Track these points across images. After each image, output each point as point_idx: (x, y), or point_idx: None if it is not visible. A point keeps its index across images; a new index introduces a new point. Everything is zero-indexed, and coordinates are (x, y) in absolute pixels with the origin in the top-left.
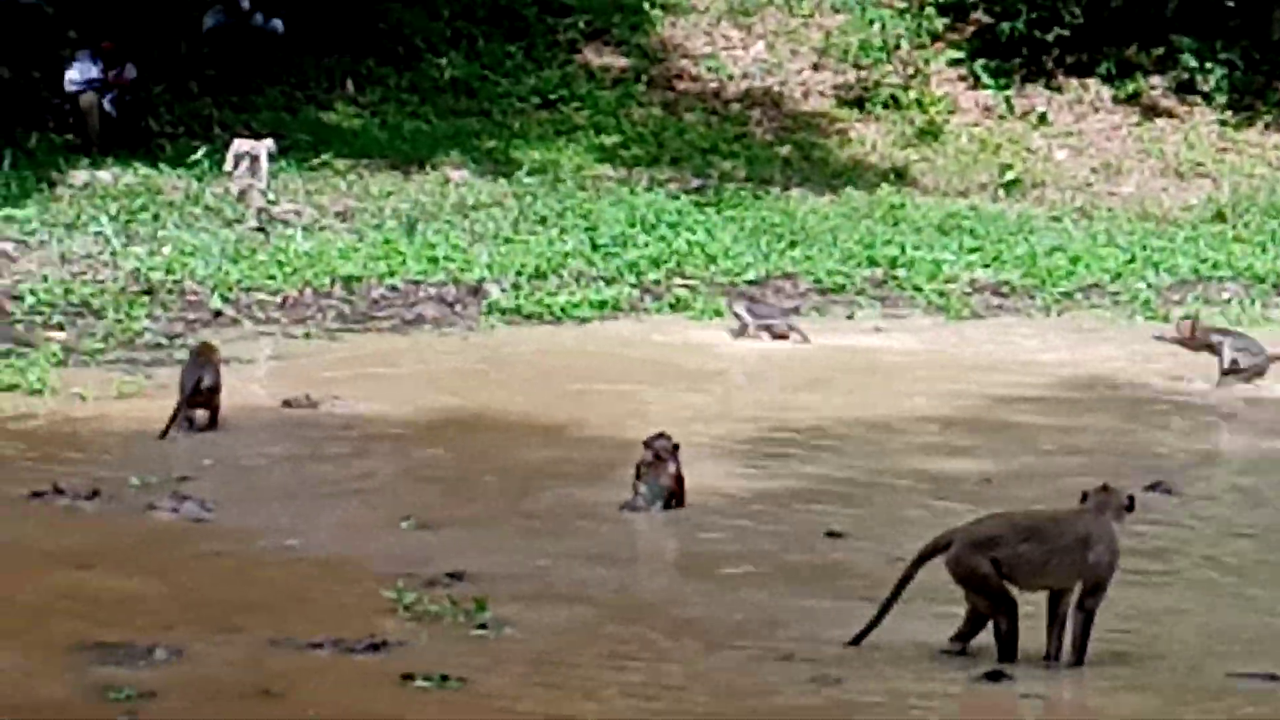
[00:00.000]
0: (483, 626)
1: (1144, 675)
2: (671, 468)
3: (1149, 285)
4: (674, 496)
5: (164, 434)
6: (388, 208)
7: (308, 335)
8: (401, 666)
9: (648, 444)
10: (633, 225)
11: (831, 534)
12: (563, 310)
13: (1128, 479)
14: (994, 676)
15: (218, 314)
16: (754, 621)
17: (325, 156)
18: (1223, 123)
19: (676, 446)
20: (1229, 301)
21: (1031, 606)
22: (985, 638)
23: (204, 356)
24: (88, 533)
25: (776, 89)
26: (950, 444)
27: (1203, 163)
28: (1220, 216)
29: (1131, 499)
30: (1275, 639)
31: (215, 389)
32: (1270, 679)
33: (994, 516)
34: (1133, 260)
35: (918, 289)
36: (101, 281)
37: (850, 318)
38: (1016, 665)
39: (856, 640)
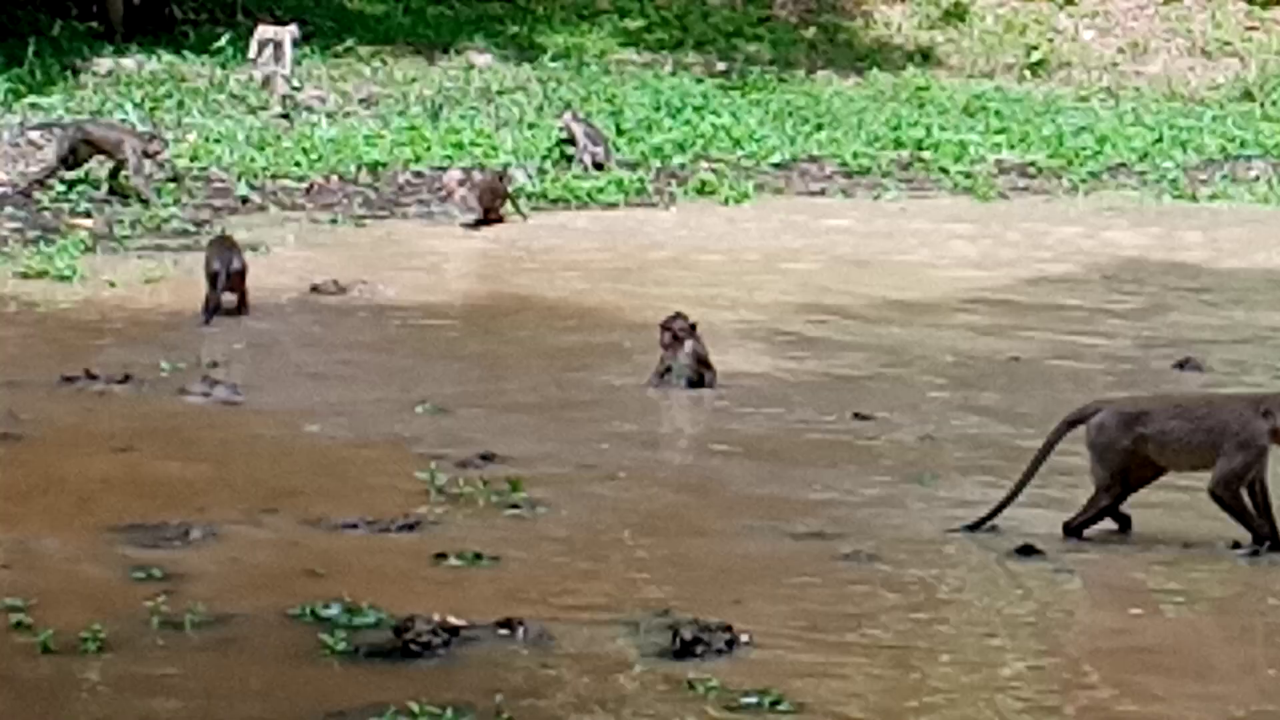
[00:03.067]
0: (515, 506)
1: (1184, 553)
2: (688, 347)
3: (1176, 164)
4: (699, 376)
5: (207, 321)
6: (412, 94)
7: (334, 221)
8: (435, 546)
9: (664, 325)
10: (657, 110)
11: (859, 416)
12: (589, 195)
13: (1156, 356)
14: (1026, 551)
15: (244, 200)
16: (785, 499)
17: (349, 42)
18: (1249, 1)
19: (694, 326)
20: (1256, 179)
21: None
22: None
23: (227, 242)
24: (122, 417)
25: None
26: (978, 324)
27: (1230, 41)
28: (1248, 95)
29: None
30: None
31: (243, 273)
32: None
33: (1149, 396)
34: (1160, 140)
35: (944, 171)
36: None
37: (877, 199)
38: (1049, 543)
39: (979, 524)
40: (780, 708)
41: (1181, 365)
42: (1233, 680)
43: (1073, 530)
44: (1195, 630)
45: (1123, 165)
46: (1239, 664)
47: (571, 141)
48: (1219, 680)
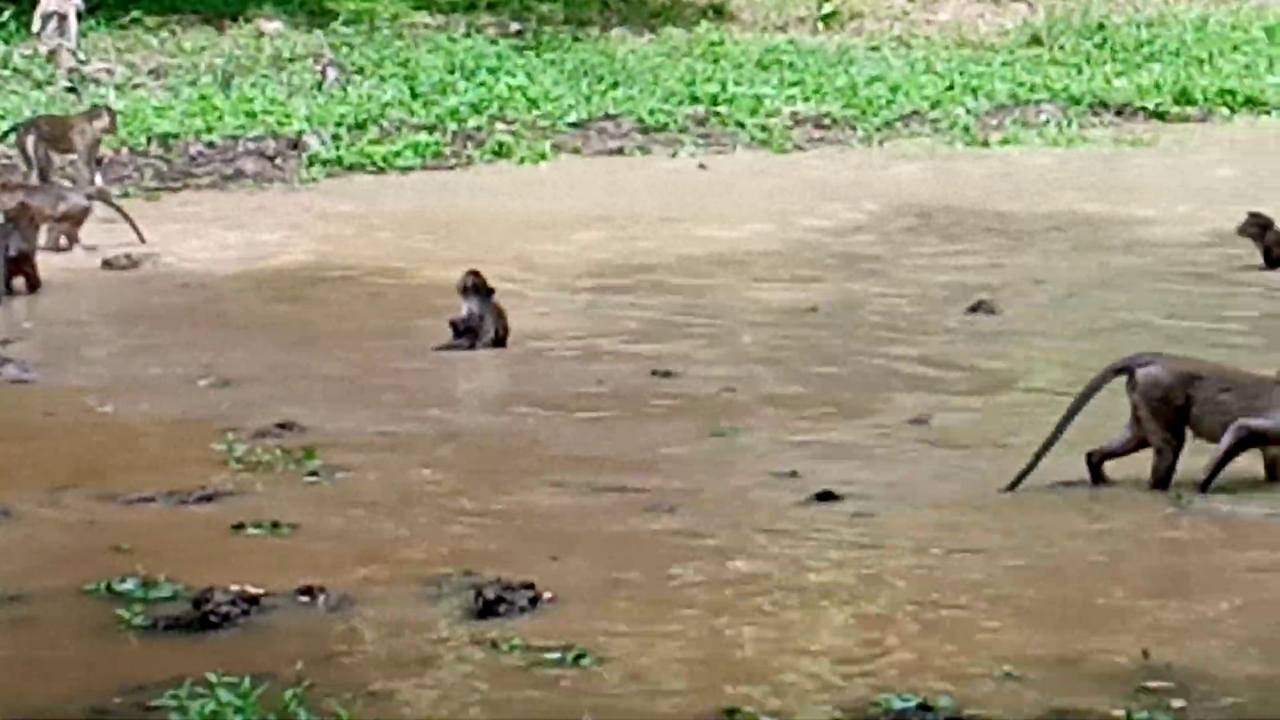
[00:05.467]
0: (314, 474)
1: (977, 494)
2: (468, 307)
3: (968, 111)
4: (474, 335)
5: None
6: (201, 63)
7: (126, 194)
8: (233, 516)
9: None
10: (452, 72)
11: (659, 373)
12: (385, 160)
13: (952, 300)
14: (825, 497)
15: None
16: (588, 456)
17: (135, 13)
18: None
19: (485, 286)
20: (1046, 123)
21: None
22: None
23: (12, 221)
24: None
25: None
26: (777, 276)
27: None
28: (1036, 40)
29: None
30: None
31: (25, 254)
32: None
33: (1201, 361)
34: (951, 87)
35: (740, 125)
36: None
37: (674, 155)
38: (847, 488)
39: (1017, 481)
40: (584, 662)
41: (975, 309)
42: (1037, 617)
43: (1159, 486)
44: (994, 569)
45: (916, 113)
46: (1040, 601)
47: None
48: (1025, 617)
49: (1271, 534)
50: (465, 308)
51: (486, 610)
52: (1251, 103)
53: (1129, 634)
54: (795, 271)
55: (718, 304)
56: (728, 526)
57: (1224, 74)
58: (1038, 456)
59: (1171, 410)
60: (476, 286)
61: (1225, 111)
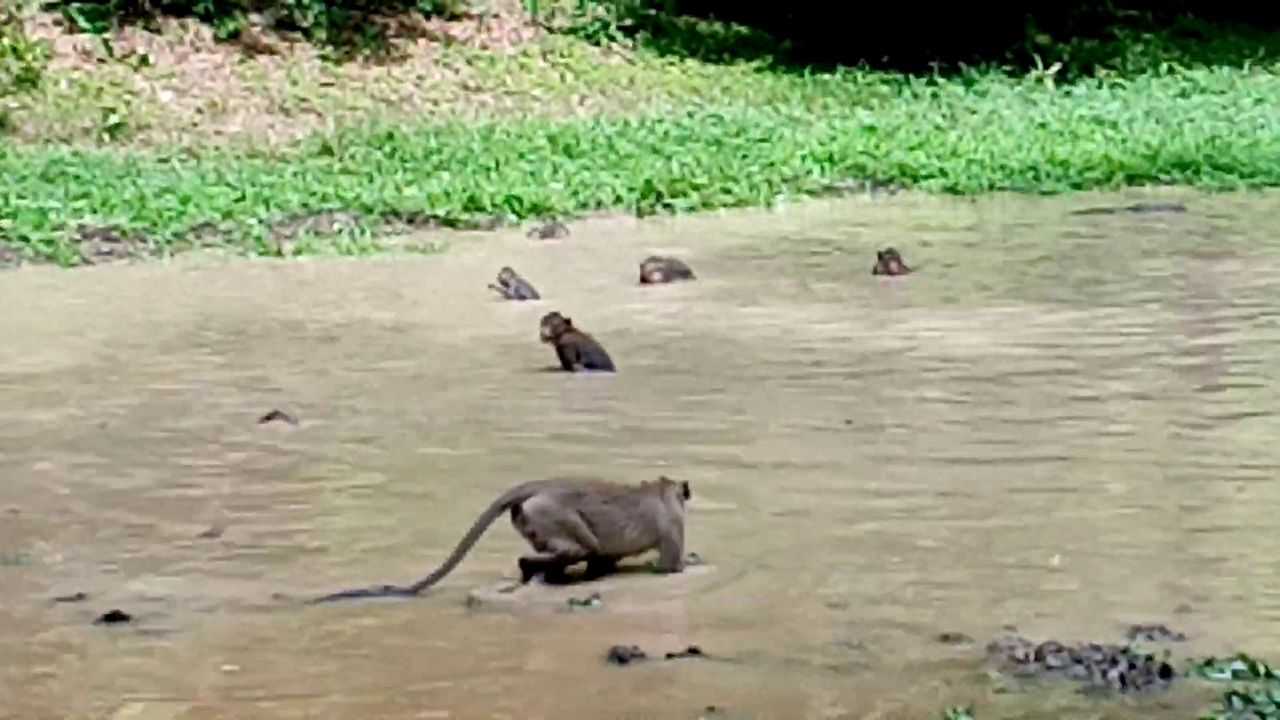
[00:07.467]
0: None
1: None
2: None
3: (260, 221)
4: None
5: None
6: None
7: None
8: None
9: None
10: None
11: None
12: None
13: (246, 411)
14: (113, 618)
15: None
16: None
17: None
18: (324, 58)
19: None
20: (340, 232)
21: None
22: None
23: None
24: None
25: None
26: (67, 395)
27: (307, 98)
28: (327, 150)
29: (686, 486)
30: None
31: None
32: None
33: (571, 479)
34: (243, 198)
35: (24, 239)
36: None
37: None
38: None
39: (419, 588)
40: None
41: (270, 418)
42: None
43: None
44: (286, 678)
45: (208, 224)
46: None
47: None
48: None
49: (561, 627)
50: None
51: None
52: (537, 209)
53: None
54: (85, 390)
55: (2, 428)
56: (9, 655)
57: (510, 181)
58: (422, 583)
59: (574, 524)
60: None
61: (513, 218)
